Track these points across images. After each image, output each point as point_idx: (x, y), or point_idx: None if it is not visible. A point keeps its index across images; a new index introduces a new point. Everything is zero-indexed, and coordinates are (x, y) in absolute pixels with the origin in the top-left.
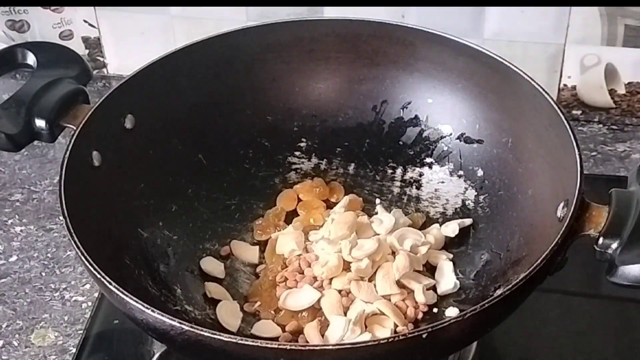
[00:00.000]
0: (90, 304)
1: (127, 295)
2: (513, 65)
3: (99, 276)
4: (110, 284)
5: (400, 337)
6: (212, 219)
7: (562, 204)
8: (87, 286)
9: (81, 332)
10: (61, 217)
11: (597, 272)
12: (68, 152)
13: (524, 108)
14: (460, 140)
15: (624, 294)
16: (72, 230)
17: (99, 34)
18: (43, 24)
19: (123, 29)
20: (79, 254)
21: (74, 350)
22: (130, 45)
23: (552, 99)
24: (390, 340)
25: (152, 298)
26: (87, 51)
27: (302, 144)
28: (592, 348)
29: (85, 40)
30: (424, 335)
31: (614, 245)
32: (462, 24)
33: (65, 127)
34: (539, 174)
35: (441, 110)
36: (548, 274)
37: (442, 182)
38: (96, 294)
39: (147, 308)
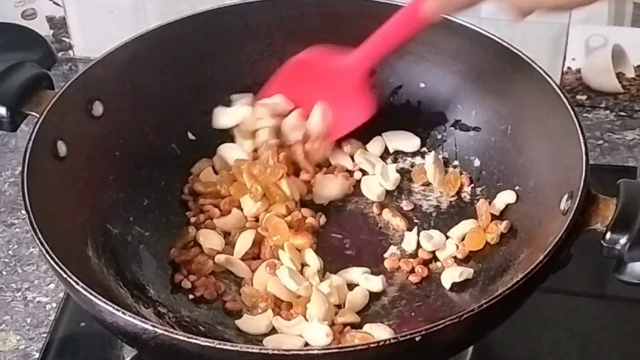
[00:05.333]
0: (54, 305)
1: (95, 296)
2: (512, 46)
3: (65, 275)
4: (77, 283)
5: (392, 341)
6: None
7: (566, 196)
8: (52, 286)
9: (45, 335)
10: (23, 212)
11: (602, 270)
12: (31, 142)
13: (524, 93)
14: (456, 128)
15: (632, 295)
16: (35, 225)
17: (65, 13)
18: (3, 2)
19: (90, 8)
20: (43, 251)
21: (37, 355)
22: (99, 25)
23: (554, 82)
24: (381, 344)
25: (123, 299)
26: (51, 31)
27: None
28: (597, 352)
29: (50, 19)
30: (417, 338)
31: (623, 241)
32: None
33: (27, 114)
34: (541, 164)
35: (434, 95)
36: (551, 272)
37: None
38: (61, 295)
39: (117, 310)
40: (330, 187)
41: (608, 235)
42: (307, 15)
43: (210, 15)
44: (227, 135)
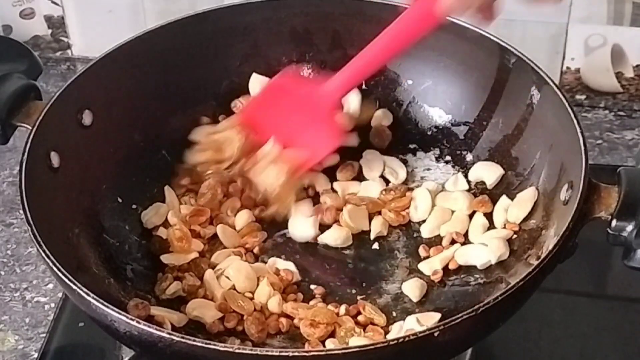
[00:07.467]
0: (53, 305)
1: (109, 307)
2: (511, 46)
3: (80, 292)
4: (87, 295)
5: (411, 337)
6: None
7: (565, 187)
8: (50, 286)
9: (43, 335)
10: (22, 211)
11: (602, 270)
12: (26, 155)
13: (514, 85)
14: (446, 123)
15: (632, 294)
16: (38, 239)
17: (63, 12)
18: (2, 2)
19: (89, 7)
20: (55, 270)
21: (35, 355)
22: (97, 25)
23: (554, 82)
24: (400, 340)
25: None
26: (50, 31)
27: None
28: (597, 352)
29: (48, 19)
30: (435, 334)
31: (629, 228)
32: None
33: (18, 126)
34: (536, 156)
35: (423, 91)
36: (558, 262)
37: (428, 169)
38: (60, 295)
39: (131, 319)
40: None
41: (614, 223)
42: (291, 15)
43: (191, 20)
44: None
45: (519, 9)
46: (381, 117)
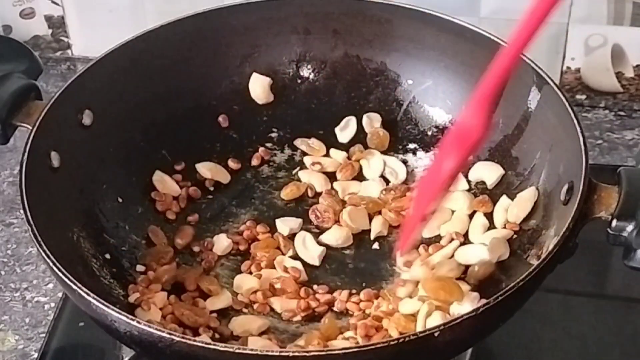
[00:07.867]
0: (53, 305)
1: (109, 307)
2: (499, 39)
3: (80, 291)
4: (88, 295)
5: (411, 337)
6: (182, 220)
7: (565, 187)
8: (50, 285)
9: (43, 335)
10: (22, 211)
11: (602, 270)
12: (26, 155)
13: (514, 85)
14: (446, 123)
15: (632, 295)
16: (39, 238)
17: (63, 12)
18: (2, 2)
19: (89, 7)
20: (48, 260)
21: (35, 355)
22: (97, 24)
23: (554, 82)
24: (401, 340)
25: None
26: (50, 31)
27: (273, 135)
28: (597, 352)
29: (49, 19)
30: (436, 334)
31: (629, 228)
32: (457, 1)
33: (18, 126)
34: (536, 156)
35: (423, 91)
36: (558, 262)
37: None
38: (60, 294)
39: (131, 319)
40: None
41: (614, 223)
42: (290, 15)
43: (191, 20)
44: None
45: (519, 9)
46: (370, 121)
